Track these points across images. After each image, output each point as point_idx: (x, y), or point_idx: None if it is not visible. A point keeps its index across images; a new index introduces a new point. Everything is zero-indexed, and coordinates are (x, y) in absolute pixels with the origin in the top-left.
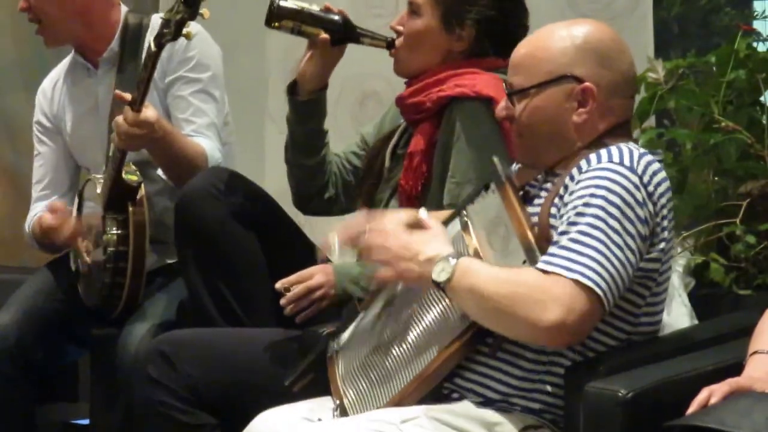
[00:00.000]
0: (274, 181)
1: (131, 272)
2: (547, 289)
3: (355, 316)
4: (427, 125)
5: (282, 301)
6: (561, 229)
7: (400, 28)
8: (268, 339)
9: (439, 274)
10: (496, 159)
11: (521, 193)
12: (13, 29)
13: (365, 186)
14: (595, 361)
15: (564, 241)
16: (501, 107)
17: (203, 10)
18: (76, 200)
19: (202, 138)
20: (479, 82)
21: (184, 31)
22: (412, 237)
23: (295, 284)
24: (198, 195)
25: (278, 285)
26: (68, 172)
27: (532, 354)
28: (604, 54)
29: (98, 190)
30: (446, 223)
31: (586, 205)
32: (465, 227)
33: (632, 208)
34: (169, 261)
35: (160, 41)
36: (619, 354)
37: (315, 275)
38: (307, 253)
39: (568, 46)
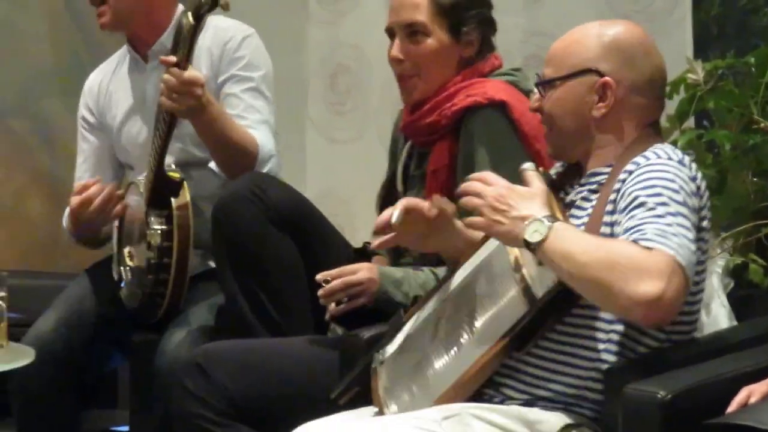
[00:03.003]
0: (315, 184)
1: (175, 268)
2: (648, 262)
3: (400, 327)
4: (446, 141)
5: (320, 292)
6: (629, 214)
7: (402, 56)
8: (306, 348)
9: (532, 234)
10: (528, 165)
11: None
12: (50, 36)
13: None
14: (634, 362)
15: (647, 217)
16: (533, 98)
17: None
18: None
19: (254, 131)
20: (489, 88)
21: (222, 1)
22: (510, 190)
23: (336, 277)
24: (236, 199)
25: (319, 276)
26: (111, 169)
27: (580, 359)
28: (628, 54)
29: (141, 191)
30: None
31: (652, 189)
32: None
33: (690, 198)
34: (212, 264)
35: (198, 12)
36: (658, 355)
37: (358, 272)
38: (346, 258)
39: (596, 42)
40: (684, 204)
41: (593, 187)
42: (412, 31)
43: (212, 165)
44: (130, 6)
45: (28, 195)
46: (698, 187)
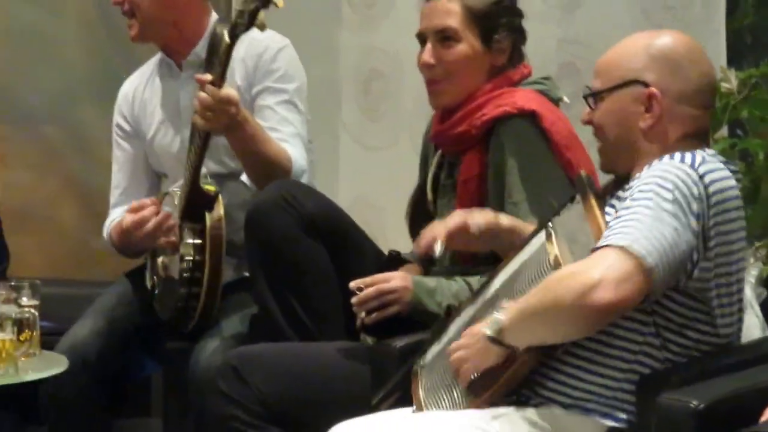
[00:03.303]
0: (348, 191)
1: (207, 283)
2: (587, 261)
3: (442, 332)
4: (476, 151)
5: (353, 300)
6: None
7: (434, 61)
8: (339, 354)
9: (491, 327)
10: (583, 172)
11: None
12: (83, 42)
13: (417, 227)
14: (667, 371)
15: (613, 221)
16: (583, 111)
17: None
18: None
19: (287, 145)
20: (519, 98)
21: (258, 21)
22: (471, 328)
23: (369, 285)
24: (268, 207)
25: (352, 284)
26: (147, 177)
27: (613, 360)
28: (674, 63)
29: (176, 202)
30: (532, 236)
31: (640, 191)
32: (549, 237)
33: (687, 199)
34: (246, 274)
35: (234, 32)
36: (691, 365)
37: (392, 280)
38: (378, 265)
39: (642, 53)
40: (672, 201)
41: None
42: (444, 37)
43: (244, 177)
44: (158, 20)
45: (61, 202)
46: (707, 194)
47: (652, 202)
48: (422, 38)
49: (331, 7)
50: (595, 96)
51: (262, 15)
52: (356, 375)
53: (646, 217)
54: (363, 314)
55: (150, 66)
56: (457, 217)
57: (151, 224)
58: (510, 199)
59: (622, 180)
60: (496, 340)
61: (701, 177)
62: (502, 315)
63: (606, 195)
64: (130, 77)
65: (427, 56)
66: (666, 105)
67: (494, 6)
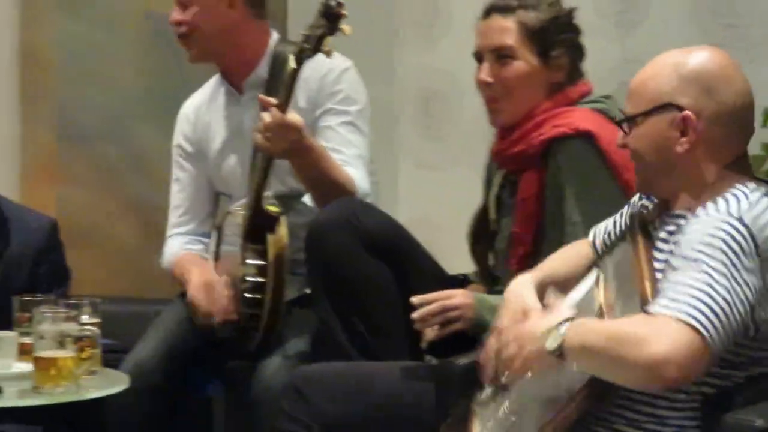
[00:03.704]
0: (407, 210)
1: (269, 305)
2: (650, 327)
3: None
4: (534, 170)
5: (414, 315)
6: (668, 276)
7: (491, 79)
8: (402, 372)
9: (551, 343)
10: (640, 206)
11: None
12: (137, 61)
13: (479, 245)
14: (732, 391)
15: (669, 285)
16: (619, 135)
17: (344, 26)
18: (215, 234)
19: (350, 168)
20: (576, 118)
21: (324, 47)
22: (524, 324)
23: (432, 301)
24: (329, 225)
25: (415, 299)
26: (208, 198)
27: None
28: (708, 83)
29: (238, 221)
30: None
31: (692, 250)
32: (597, 281)
33: (739, 257)
34: (308, 291)
35: (300, 57)
36: (756, 384)
37: (455, 297)
38: (440, 284)
39: (674, 74)
40: (726, 263)
41: (672, 228)
42: (501, 55)
43: (307, 199)
44: (217, 41)
45: (119, 220)
46: (755, 243)
47: (705, 266)
48: (479, 56)
49: (389, 27)
50: (628, 121)
51: (329, 41)
52: (419, 394)
53: (701, 284)
54: (425, 331)
55: (210, 86)
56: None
57: (218, 318)
58: (570, 219)
59: (664, 203)
60: (552, 353)
61: (749, 230)
62: (567, 331)
63: (653, 221)
64: (190, 97)
65: (485, 74)
66: (702, 128)
67: (551, 22)
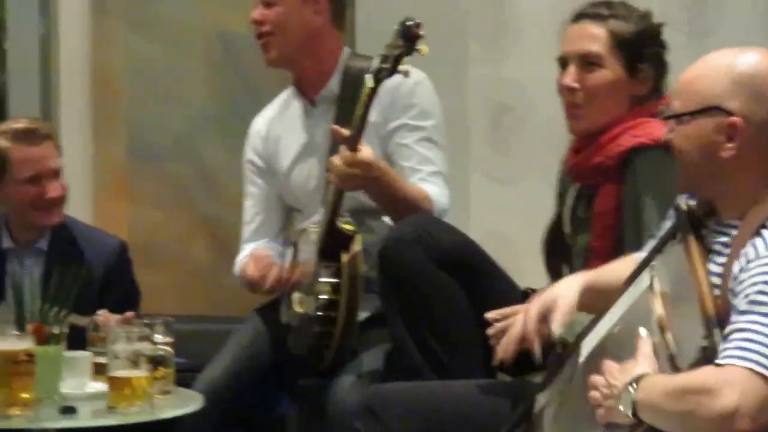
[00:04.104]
0: (479, 225)
1: (343, 323)
2: (719, 378)
3: (557, 371)
4: (612, 183)
5: (489, 331)
6: (733, 318)
7: (576, 85)
8: (476, 391)
9: (624, 407)
10: (682, 201)
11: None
12: (208, 80)
13: (554, 259)
14: None
15: (736, 333)
16: (665, 130)
17: (421, 46)
18: (291, 250)
19: (428, 185)
20: (655, 128)
21: (402, 67)
22: (614, 373)
23: (508, 317)
24: (401, 242)
25: (489, 315)
26: (280, 213)
27: None
28: (758, 89)
29: (312, 238)
30: (634, 276)
31: (758, 292)
32: (651, 286)
33: None
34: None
35: (378, 76)
36: None
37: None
38: (513, 299)
39: (724, 77)
40: None
41: (725, 240)
42: (588, 62)
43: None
44: (300, 45)
45: (190, 239)
46: None
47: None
48: (563, 61)
49: (458, 40)
50: (674, 118)
51: (406, 61)
52: (494, 413)
53: (763, 333)
54: (497, 348)
55: (281, 100)
56: (531, 324)
57: (268, 282)
58: (648, 231)
59: (709, 204)
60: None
61: None
62: (636, 393)
63: (701, 220)
64: (261, 113)
65: (569, 80)
66: (750, 135)
67: (641, 34)
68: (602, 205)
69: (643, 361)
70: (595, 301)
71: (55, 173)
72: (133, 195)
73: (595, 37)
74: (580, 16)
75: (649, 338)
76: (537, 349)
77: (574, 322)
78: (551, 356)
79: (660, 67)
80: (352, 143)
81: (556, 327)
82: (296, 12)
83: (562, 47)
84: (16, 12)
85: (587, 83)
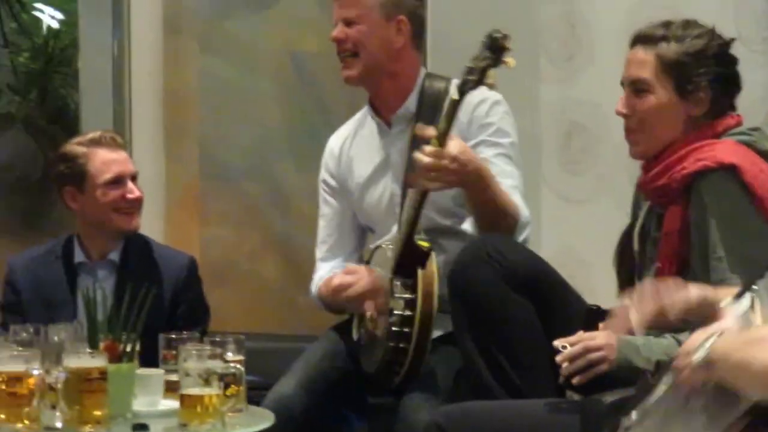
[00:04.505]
0: (550, 244)
1: (415, 339)
2: None
3: (648, 391)
4: (678, 204)
5: (558, 358)
6: None
7: (628, 111)
8: (546, 411)
9: (699, 355)
10: None
11: None
12: (280, 99)
13: (622, 274)
14: None
15: None
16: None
17: (508, 59)
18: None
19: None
20: (719, 151)
21: (488, 79)
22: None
23: (574, 343)
24: (471, 261)
25: (556, 342)
26: (354, 232)
27: None
28: None
29: (388, 255)
30: (736, 298)
31: None
32: (752, 305)
33: None
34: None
35: (463, 88)
36: None
37: (597, 337)
38: (584, 318)
39: None
40: None
41: None
42: (637, 88)
43: (466, 226)
44: (380, 64)
45: (261, 257)
46: None
47: None
48: (623, 86)
49: (530, 60)
50: None
51: (492, 73)
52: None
53: None
54: (567, 372)
55: (356, 120)
56: (652, 304)
57: (357, 288)
58: (715, 254)
59: None
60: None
61: None
62: (713, 344)
63: None
64: (336, 133)
65: (620, 106)
66: None
67: (692, 56)
68: (669, 226)
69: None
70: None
71: (134, 176)
72: (205, 214)
73: (643, 62)
74: (635, 41)
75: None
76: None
77: (669, 346)
78: (642, 377)
79: (720, 86)
80: (441, 140)
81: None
82: (378, 31)
83: (622, 73)
84: (90, 32)
85: (638, 109)
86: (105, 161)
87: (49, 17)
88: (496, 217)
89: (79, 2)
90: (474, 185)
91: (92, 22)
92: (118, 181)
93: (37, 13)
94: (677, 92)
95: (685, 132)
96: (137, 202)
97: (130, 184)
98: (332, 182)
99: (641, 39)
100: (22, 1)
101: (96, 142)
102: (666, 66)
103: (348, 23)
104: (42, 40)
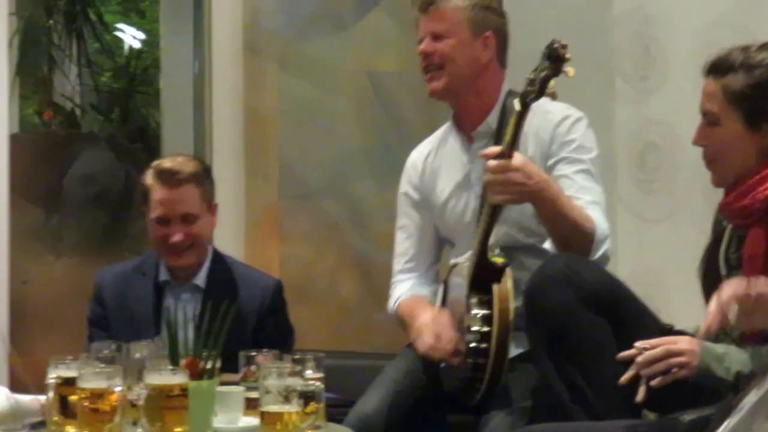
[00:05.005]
0: (626, 264)
1: (494, 355)
2: None
3: (729, 411)
4: (761, 226)
5: (639, 359)
6: None
7: (703, 142)
8: (623, 430)
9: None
10: None
11: None
12: (358, 118)
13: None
14: None
15: None
16: None
17: (567, 68)
18: (441, 287)
19: (588, 211)
20: None
21: (549, 90)
22: None
23: (656, 346)
24: (548, 281)
25: (638, 344)
26: (433, 245)
27: None
28: None
29: (464, 273)
30: None
31: None
32: None
33: None
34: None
35: (525, 100)
36: None
37: (679, 341)
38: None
39: None
40: None
41: None
42: (709, 120)
43: (548, 245)
44: (466, 78)
45: (340, 275)
46: None
47: None
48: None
49: (605, 80)
50: None
51: (552, 83)
52: None
53: None
54: (647, 374)
55: (438, 136)
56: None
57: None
58: None
59: None
60: None
61: None
62: None
63: None
64: (418, 147)
65: (695, 136)
66: None
67: (758, 87)
68: (750, 249)
69: None
70: None
71: (183, 218)
72: (285, 232)
73: (712, 94)
74: (706, 70)
75: None
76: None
77: (749, 358)
78: (726, 398)
79: None
80: (507, 153)
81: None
82: (466, 46)
83: None
84: (171, 53)
85: (710, 140)
86: (158, 199)
87: (131, 37)
88: (570, 231)
89: (161, 23)
90: (541, 199)
91: (174, 43)
92: (163, 221)
93: (119, 34)
94: (747, 124)
95: (759, 160)
96: (179, 245)
97: (174, 226)
98: (415, 195)
99: (711, 69)
100: (104, 21)
101: (158, 176)
102: (733, 98)
103: (436, 37)
104: (124, 60)
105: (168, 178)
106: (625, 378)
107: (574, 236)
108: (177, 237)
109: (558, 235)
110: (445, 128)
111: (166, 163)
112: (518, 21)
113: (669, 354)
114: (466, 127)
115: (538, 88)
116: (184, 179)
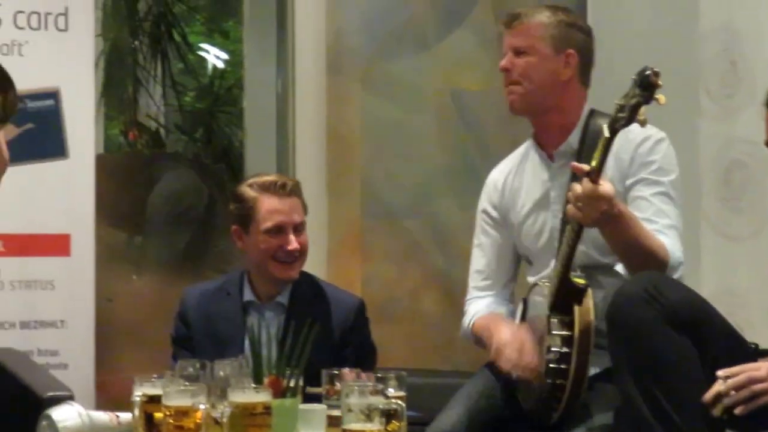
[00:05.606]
0: (710, 282)
1: (574, 375)
2: None
3: None
4: None
5: (721, 388)
6: None
7: None
8: None
9: None
10: None
11: None
12: (441, 137)
13: None
14: None
15: None
16: None
17: (659, 96)
18: (521, 305)
19: (663, 236)
20: None
21: (639, 117)
22: None
23: (738, 374)
24: (630, 299)
25: (720, 372)
26: (511, 263)
27: None
28: None
29: (545, 292)
30: None
31: None
32: None
33: None
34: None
35: (614, 126)
36: None
37: (762, 368)
38: (745, 358)
39: None
40: None
41: None
42: None
43: (618, 267)
44: (540, 100)
45: (422, 293)
46: None
47: None
48: None
49: (690, 97)
50: None
51: (643, 110)
52: None
53: None
54: (730, 402)
55: (519, 154)
56: None
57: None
58: None
59: None
60: None
61: None
62: None
63: None
64: (498, 165)
65: None
66: None
67: None
68: None
69: None
70: None
71: (297, 227)
72: (367, 251)
73: None
74: None
75: None
76: None
77: None
78: None
79: None
80: (594, 177)
81: None
82: (547, 63)
83: None
84: (254, 72)
85: None
86: (269, 209)
87: (215, 58)
88: (640, 259)
89: (244, 43)
90: (614, 227)
91: (257, 62)
92: (279, 230)
93: (203, 54)
94: None
95: None
96: (296, 254)
97: (290, 235)
98: (494, 213)
99: None
100: (189, 42)
101: (266, 188)
102: None
103: (517, 53)
104: (208, 81)
105: (277, 188)
106: (708, 396)
107: (646, 263)
108: (294, 244)
109: (628, 261)
110: (525, 146)
111: (266, 177)
112: (603, 37)
113: (751, 381)
114: (546, 146)
115: (628, 116)
116: (292, 190)
